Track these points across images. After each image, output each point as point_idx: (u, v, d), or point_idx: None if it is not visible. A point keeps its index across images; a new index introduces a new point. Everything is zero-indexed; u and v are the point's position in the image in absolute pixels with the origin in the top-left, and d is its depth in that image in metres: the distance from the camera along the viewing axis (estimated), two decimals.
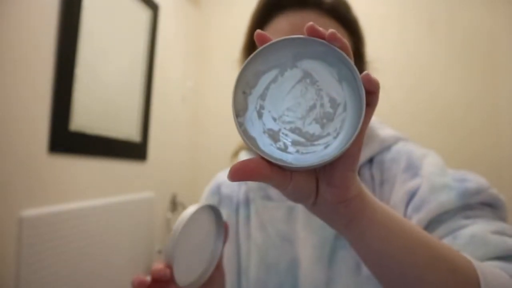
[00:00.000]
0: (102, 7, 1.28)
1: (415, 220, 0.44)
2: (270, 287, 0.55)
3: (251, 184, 0.61)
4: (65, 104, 1.10)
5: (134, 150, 1.53)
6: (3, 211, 0.91)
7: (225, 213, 0.62)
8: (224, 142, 2.11)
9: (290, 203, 0.55)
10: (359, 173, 0.55)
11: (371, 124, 0.60)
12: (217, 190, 0.66)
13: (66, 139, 1.11)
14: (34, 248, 0.95)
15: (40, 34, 1.02)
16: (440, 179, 0.47)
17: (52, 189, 1.07)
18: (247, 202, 0.62)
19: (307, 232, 0.54)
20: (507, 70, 1.75)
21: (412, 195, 0.48)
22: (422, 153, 0.53)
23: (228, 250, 0.60)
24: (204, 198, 0.68)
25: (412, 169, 0.51)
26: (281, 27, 0.51)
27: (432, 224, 0.44)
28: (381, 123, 0.62)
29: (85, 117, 1.19)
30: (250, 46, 0.57)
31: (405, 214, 0.47)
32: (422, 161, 0.51)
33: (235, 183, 0.64)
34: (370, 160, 0.57)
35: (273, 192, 0.58)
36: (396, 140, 0.58)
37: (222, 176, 0.69)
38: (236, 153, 0.69)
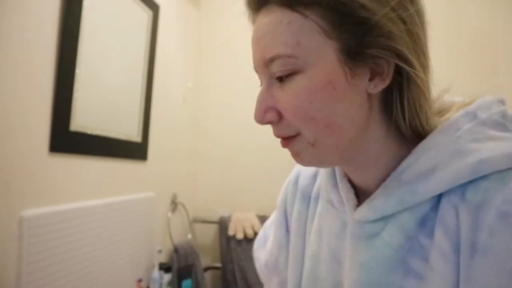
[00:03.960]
0: (102, 7, 1.28)
1: None
2: None
3: (322, 181, 0.53)
4: (65, 104, 1.11)
5: (135, 150, 1.53)
6: (4, 210, 0.91)
7: (297, 206, 0.56)
8: (224, 143, 2.13)
9: (345, 216, 0.47)
10: (437, 208, 0.38)
11: (459, 125, 0.40)
12: (296, 180, 0.59)
13: (66, 139, 1.12)
14: (35, 248, 0.96)
15: (41, 34, 1.02)
16: None
17: (53, 189, 1.07)
18: (317, 199, 0.55)
19: (351, 262, 0.44)
20: (508, 71, 1.75)
21: None
22: None
23: (297, 243, 0.55)
24: (284, 188, 0.62)
25: None
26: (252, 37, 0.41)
27: None
28: (490, 125, 0.40)
29: (85, 117, 1.19)
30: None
31: None
32: None
33: (312, 174, 0.57)
34: (462, 190, 0.37)
35: (335, 197, 0.49)
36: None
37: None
38: None
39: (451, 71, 1.83)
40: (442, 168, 0.37)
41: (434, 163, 0.38)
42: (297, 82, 0.38)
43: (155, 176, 1.68)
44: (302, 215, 0.55)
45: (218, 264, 2.00)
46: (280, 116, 0.40)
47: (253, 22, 0.42)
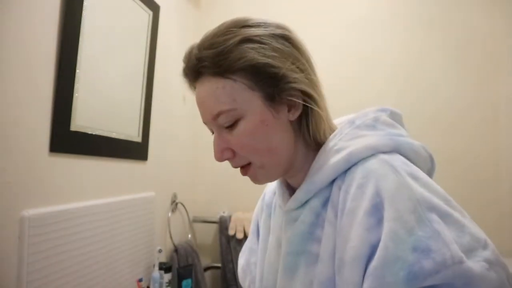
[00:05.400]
0: (103, 8, 1.28)
1: None
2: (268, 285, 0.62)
3: (277, 192, 0.66)
4: (66, 104, 1.11)
5: (135, 150, 1.53)
6: (5, 210, 0.91)
7: (264, 216, 0.71)
8: None
9: (286, 209, 0.60)
10: (332, 190, 0.52)
11: (341, 131, 0.55)
12: (263, 197, 0.74)
13: (67, 139, 1.12)
14: (35, 248, 0.96)
15: (41, 34, 1.03)
16: (398, 246, 0.40)
17: (53, 189, 1.07)
18: (275, 208, 0.68)
19: (283, 241, 0.58)
20: (506, 71, 1.75)
21: (371, 254, 0.43)
22: (395, 187, 0.45)
23: (263, 245, 0.68)
24: (257, 204, 0.77)
25: (378, 212, 0.44)
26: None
27: None
28: (362, 128, 0.56)
29: (86, 117, 1.19)
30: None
31: (364, 275, 0.43)
32: (390, 203, 0.44)
33: (273, 190, 0.71)
34: (344, 175, 0.52)
35: (279, 199, 0.63)
36: (373, 151, 0.51)
37: (269, 185, 0.75)
38: None
39: (447, 72, 1.83)
40: (328, 163, 0.52)
41: (323, 161, 0.53)
42: (241, 126, 0.52)
43: (155, 176, 1.69)
44: (266, 222, 0.69)
45: (218, 264, 2.00)
46: (234, 153, 0.54)
47: (194, 88, 0.56)
